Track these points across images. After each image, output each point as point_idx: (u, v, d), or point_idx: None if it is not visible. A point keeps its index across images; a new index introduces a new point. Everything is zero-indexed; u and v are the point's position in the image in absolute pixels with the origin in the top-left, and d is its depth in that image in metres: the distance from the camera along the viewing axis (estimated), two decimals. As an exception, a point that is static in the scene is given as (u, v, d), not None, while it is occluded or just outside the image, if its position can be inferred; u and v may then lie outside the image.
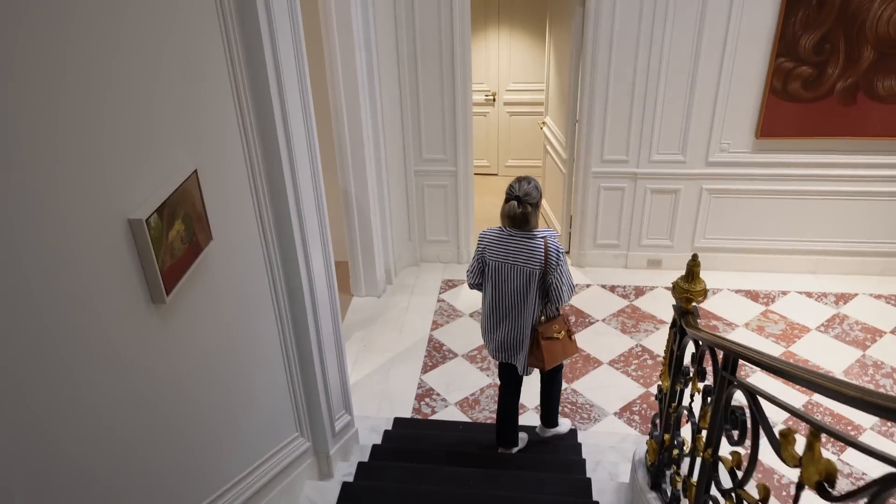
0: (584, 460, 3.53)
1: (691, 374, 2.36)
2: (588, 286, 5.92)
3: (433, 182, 5.87)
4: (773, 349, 5.13)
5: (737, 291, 5.84)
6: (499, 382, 3.78)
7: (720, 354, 2.08)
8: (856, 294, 5.81)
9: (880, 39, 5.02)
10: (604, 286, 5.93)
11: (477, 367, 4.93)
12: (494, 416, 4.31)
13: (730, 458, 2.02)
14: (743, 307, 5.65)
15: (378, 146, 5.25)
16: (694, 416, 2.36)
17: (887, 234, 5.85)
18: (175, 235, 2.08)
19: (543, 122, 6.76)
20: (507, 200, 3.23)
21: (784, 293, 5.82)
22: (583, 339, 5.20)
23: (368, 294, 5.74)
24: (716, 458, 2.16)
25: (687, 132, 5.49)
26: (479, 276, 3.42)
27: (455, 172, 5.80)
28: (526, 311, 3.31)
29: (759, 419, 1.80)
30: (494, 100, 7.84)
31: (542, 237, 3.23)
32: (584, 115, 5.52)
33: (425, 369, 4.92)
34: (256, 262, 2.74)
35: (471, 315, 5.54)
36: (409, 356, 5.06)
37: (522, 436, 3.87)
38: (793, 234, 5.90)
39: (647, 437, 2.92)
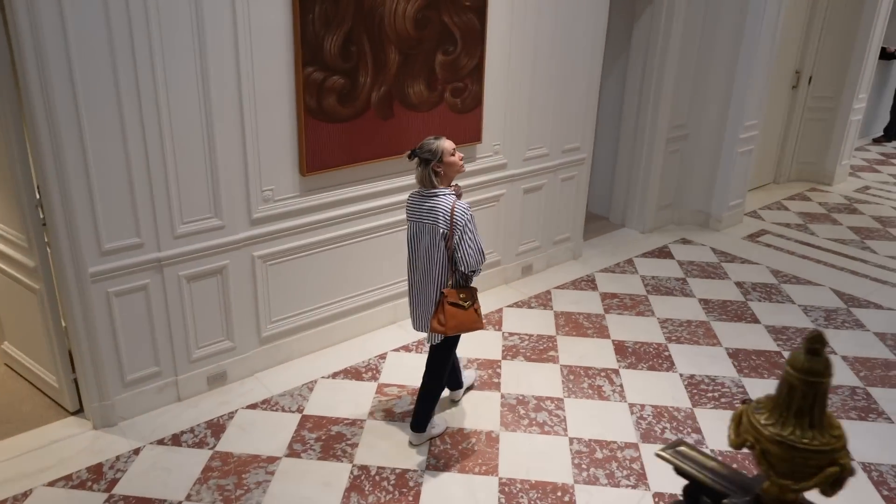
0: None
1: None
2: (136, 452, 3.71)
3: None
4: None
5: (334, 376, 4.46)
6: None
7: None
8: (446, 330, 5.06)
9: (400, 38, 4.28)
10: (161, 442, 3.80)
11: None
12: None
13: None
14: (354, 393, 4.29)
15: None
16: None
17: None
18: None
19: (-31, 224, 4.17)
20: None
21: (382, 357, 4.69)
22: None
23: None
24: None
25: (217, 185, 3.84)
26: None
27: None
28: (432, 271, 3.38)
29: None
30: None
31: (445, 195, 3.31)
32: (53, 196, 3.35)
33: None
34: None
35: None
36: None
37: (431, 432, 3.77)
38: (368, 283, 4.82)
39: None
